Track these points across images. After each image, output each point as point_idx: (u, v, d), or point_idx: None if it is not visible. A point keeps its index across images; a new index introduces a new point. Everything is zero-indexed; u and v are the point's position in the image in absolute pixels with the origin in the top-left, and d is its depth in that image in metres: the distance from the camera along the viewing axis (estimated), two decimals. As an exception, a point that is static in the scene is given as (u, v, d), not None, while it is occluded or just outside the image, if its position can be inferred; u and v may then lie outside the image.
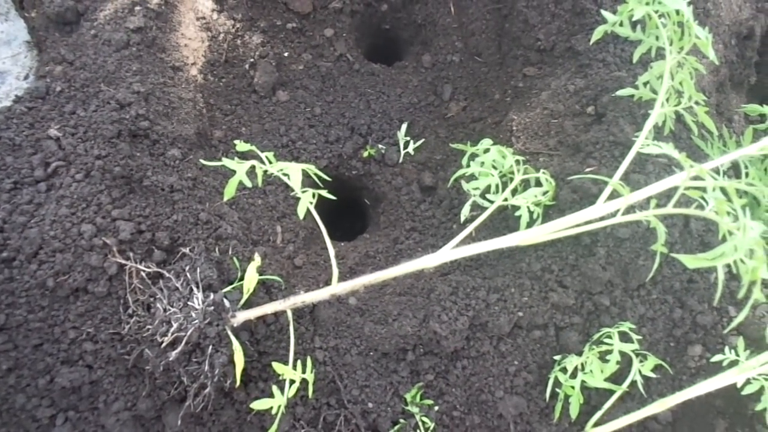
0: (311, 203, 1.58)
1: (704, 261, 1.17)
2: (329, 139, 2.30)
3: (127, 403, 1.68)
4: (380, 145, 2.31)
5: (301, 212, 1.54)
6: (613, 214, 1.57)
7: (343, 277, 1.71)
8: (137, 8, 1.97)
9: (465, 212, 1.93)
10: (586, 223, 1.60)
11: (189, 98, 2.04)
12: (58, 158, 1.76)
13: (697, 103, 1.65)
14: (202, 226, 1.81)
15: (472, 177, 1.87)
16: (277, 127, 2.27)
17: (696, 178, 1.46)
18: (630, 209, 1.56)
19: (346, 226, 2.50)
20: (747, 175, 1.83)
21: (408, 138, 2.33)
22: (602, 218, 1.59)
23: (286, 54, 2.40)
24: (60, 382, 1.64)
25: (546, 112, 2.07)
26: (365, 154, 2.29)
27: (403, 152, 2.31)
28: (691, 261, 1.18)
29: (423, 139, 2.35)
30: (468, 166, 1.88)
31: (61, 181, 1.74)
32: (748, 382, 1.66)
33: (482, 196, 1.86)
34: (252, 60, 2.32)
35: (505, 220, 1.99)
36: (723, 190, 1.39)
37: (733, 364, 1.68)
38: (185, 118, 1.98)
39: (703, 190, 1.41)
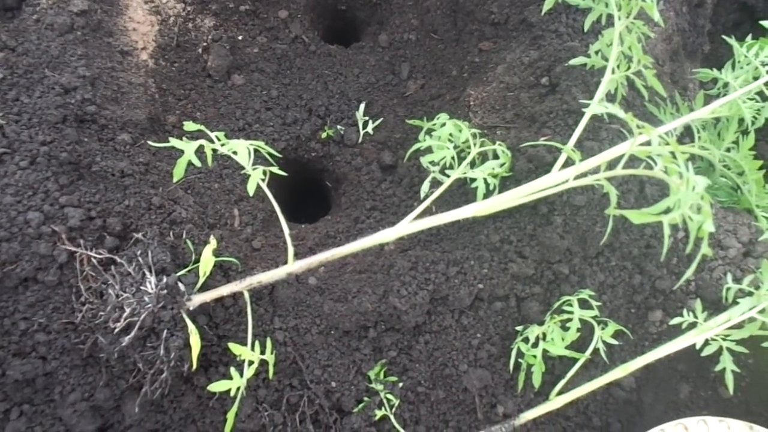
0: (263, 180, 1.55)
1: (649, 216, 1.17)
2: (287, 122, 2.27)
3: (84, 393, 1.64)
4: (339, 126, 2.28)
5: (251, 189, 1.51)
6: (567, 181, 1.57)
7: (302, 258, 1.69)
8: (81, -9, 1.92)
9: (425, 188, 1.92)
10: (542, 191, 1.60)
11: (139, 83, 1.99)
12: (1, 146, 1.70)
13: (645, 66, 1.65)
14: (155, 211, 1.78)
15: (429, 151, 1.86)
16: (233, 111, 2.24)
17: (647, 143, 1.46)
18: (585, 176, 1.56)
19: (309, 211, 2.48)
20: (700, 139, 1.85)
21: (367, 118, 2.32)
22: (557, 185, 1.59)
23: (240, 37, 2.36)
24: (12, 375, 1.59)
25: (502, 85, 2.07)
26: (324, 135, 2.27)
27: (362, 132, 2.29)
28: (637, 216, 1.17)
29: (382, 119, 2.33)
30: (425, 141, 1.87)
31: (5, 170, 1.68)
32: (707, 343, 1.67)
33: (442, 171, 1.86)
34: (205, 44, 2.28)
35: (465, 195, 1.98)
36: (671, 152, 1.39)
37: (692, 326, 1.70)
38: (135, 103, 1.94)
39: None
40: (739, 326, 1.64)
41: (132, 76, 1.98)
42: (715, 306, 1.77)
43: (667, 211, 1.20)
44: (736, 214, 1.93)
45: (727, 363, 1.65)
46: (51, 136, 1.72)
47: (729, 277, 1.74)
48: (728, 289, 1.70)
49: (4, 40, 1.87)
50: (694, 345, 1.66)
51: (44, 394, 1.64)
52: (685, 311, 1.73)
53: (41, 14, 1.90)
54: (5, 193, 1.65)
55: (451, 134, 1.84)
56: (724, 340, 1.66)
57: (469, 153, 1.81)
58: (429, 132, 1.89)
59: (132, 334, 1.54)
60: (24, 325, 1.62)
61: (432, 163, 1.85)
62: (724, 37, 2.02)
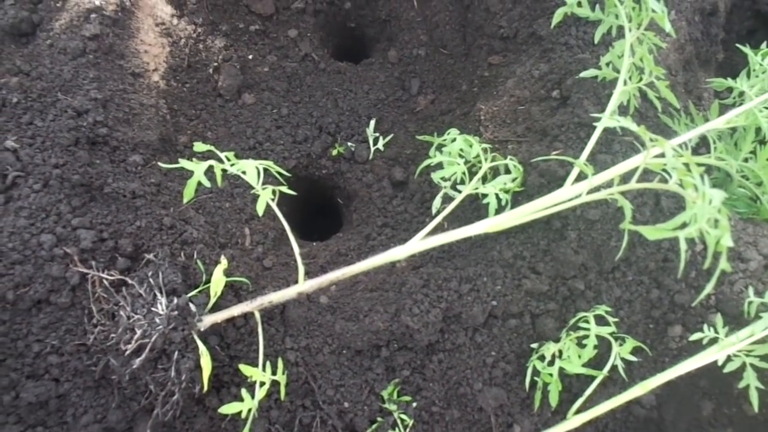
0: (272, 199, 1.55)
1: (664, 232, 1.14)
2: (297, 140, 2.28)
3: (96, 415, 1.64)
4: (349, 143, 2.28)
5: (260, 209, 1.51)
6: (580, 196, 1.54)
7: (313, 276, 1.68)
8: (93, 16, 1.95)
9: (436, 204, 1.90)
10: (554, 205, 1.58)
11: (151, 104, 2.01)
12: (15, 169, 1.72)
13: (658, 77, 1.63)
14: (166, 232, 1.78)
15: (440, 167, 1.85)
16: (243, 130, 2.25)
17: (661, 155, 1.43)
18: (598, 190, 1.54)
19: (321, 228, 2.47)
20: (716, 149, 1.81)
21: (377, 134, 2.31)
22: (570, 200, 1.56)
23: (250, 56, 2.37)
24: (26, 398, 1.60)
25: (513, 99, 2.05)
26: (334, 152, 2.27)
27: (372, 149, 2.28)
28: (652, 232, 1.15)
29: (392, 135, 2.32)
30: (435, 156, 1.85)
31: (19, 193, 1.70)
32: (729, 359, 1.62)
33: (453, 187, 1.84)
34: (215, 64, 2.29)
35: (476, 210, 1.96)
36: (686, 164, 1.36)
37: (713, 341, 1.65)
38: (147, 124, 1.96)
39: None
40: (762, 341, 1.59)
41: (143, 98, 2.00)
42: (737, 320, 1.72)
43: (684, 225, 1.17)
44: (756, 225, 1.88)
45: (751, 379, 1.60)
46: (63, 158, 1.74)
47: (750, 290, 1.69)
48: (750, 302, 1.66)
49: (19, 64, 1.90)
50: (716, 361, 1.61)
51: (57, 416, 1.64)
52: (705, 326, 1.69)
53: (54, 39, 1.92)
54: (19, 216, 1.66)
55: (461, 149, 1.83)
56: (747, 355, 1.61)
57: (480, 168, 1.80)
58: (440, 147, 1.88)
59: (143, 355, 1.53)
60: (37, 347, 1.62)
61: (443, 179, 1.84)
62: (738, 45, 1.99)
